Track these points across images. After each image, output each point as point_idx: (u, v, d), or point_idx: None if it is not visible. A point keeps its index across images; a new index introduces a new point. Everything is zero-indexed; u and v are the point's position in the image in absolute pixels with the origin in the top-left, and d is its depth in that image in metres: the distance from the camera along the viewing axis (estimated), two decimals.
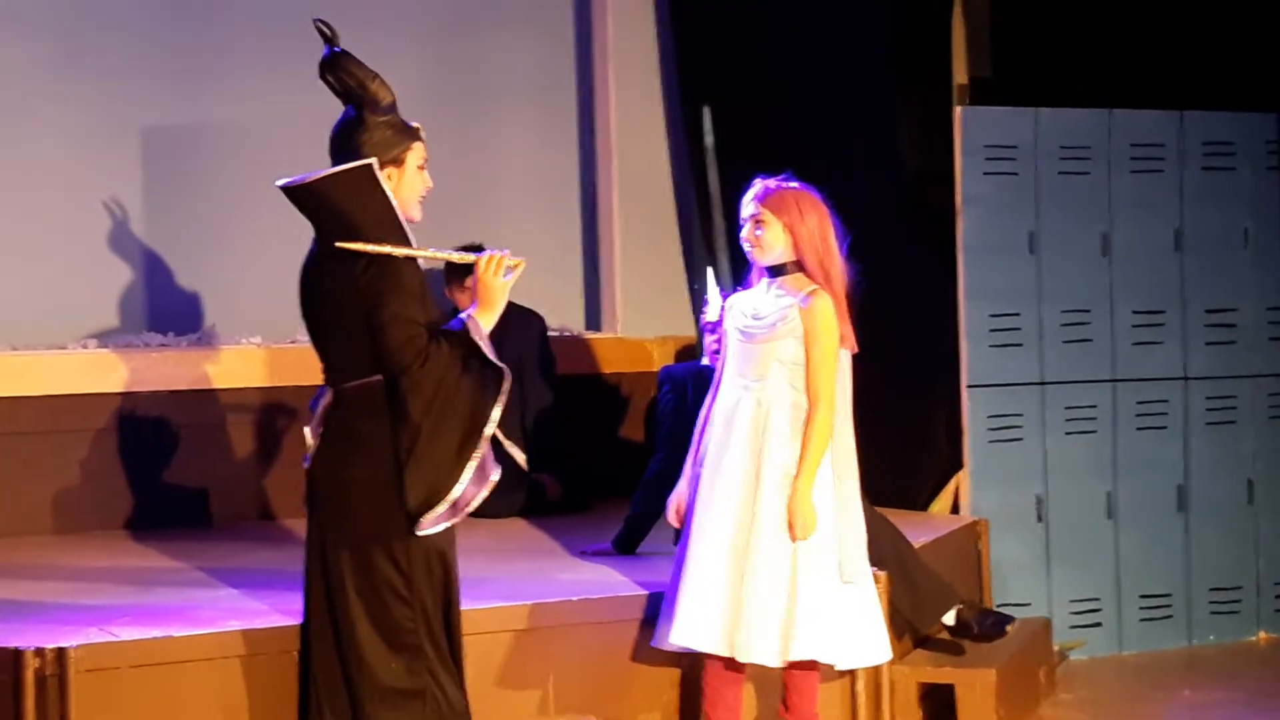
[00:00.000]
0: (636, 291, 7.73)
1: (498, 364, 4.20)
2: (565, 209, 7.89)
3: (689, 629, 4.63)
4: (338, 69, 4.26)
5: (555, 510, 6.78)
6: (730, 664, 4.71)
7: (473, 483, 4.20)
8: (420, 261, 4.26)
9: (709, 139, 7.53)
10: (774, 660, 4.62)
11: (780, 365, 4.65)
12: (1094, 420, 6.78)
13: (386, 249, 4.18)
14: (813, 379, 4.63)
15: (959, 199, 6.62)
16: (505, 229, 7.50)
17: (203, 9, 7.16)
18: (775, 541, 4.60)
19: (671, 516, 4.85)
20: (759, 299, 4.72)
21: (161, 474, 6.73)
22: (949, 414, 6.65)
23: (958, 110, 6.74)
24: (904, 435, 6.65)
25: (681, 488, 4.82)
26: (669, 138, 7.83)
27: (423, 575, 4.23)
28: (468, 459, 4.18)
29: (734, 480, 4.65)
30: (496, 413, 4.22)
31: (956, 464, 6.64)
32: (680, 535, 4.81)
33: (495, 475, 4.27)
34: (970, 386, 6.61)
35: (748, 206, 4.72)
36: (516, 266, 4.28)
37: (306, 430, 4.33)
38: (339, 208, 4.21)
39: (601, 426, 7.53)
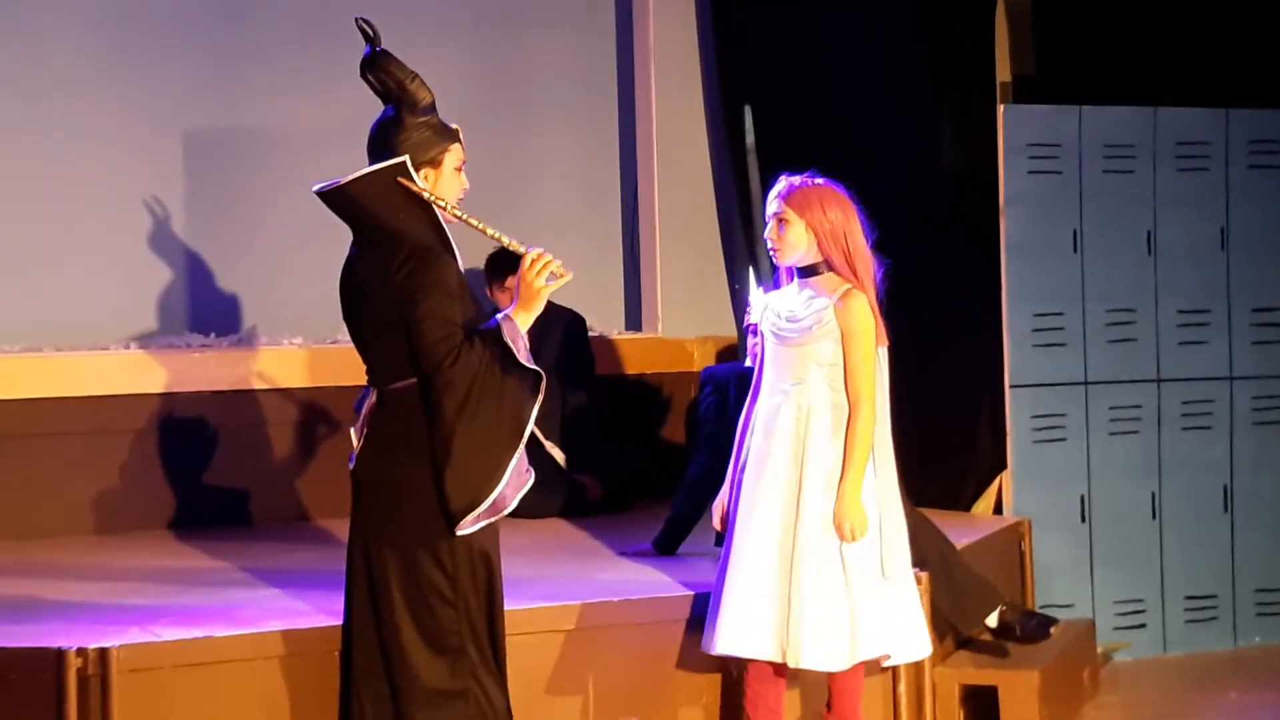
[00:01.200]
0: (677, 292, 7.72)
1: (531, 366, 4.18)
2: (606, 209, 7.89)
3: (737, 636, 4.62)
4: (378, 68, 4.26)
5: (595, 511, 6.77)
6: (775, 668, 4.69)
7: (510, 483, 4.18)
8: (460, 264, 4.26)
9: (750, 138, 7.52)
10: (839, 665, 4.61)
11: (819, 367, 4.62)
12: (1138, 420, 6.75)
13: (450, 208, 4.17)
14: (852, 380, 4.61)
15: (1002, 198, 6.60)
16: (546, 229, 7.50)
17: (247, 11, 7.18)
18: (822, 545, 4.58)
19: (716, 520, 4.84)
20: (792, 301, 4.69)
21: (202, 474, 6.76)
22: (992, 414, 6.63)
23: (1001, 108, 6.71)
24: (947, 435, 6.64)
25: (724, 492, 4.81)
26: (710, 137, 7.82)
27: (467, 577, 4.22)
28: (506, 460, 4.15)
29: (777, 485, 4.63)
30: (534, 413, 4.19)
31: (1000, 464, 6.62)
32: (723, 539, 4.79)
33: (532, 476, 4.25)
34: (1013, 386, 6.59)
35: (771, 204, 4.69)
36: (562, 276, 4.23)
37: (352, 431, 4.32)
38: (374, 208, 4.20)
39: (642, 427, 7.52)
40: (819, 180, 4.71)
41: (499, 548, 4.32)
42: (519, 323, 4.21)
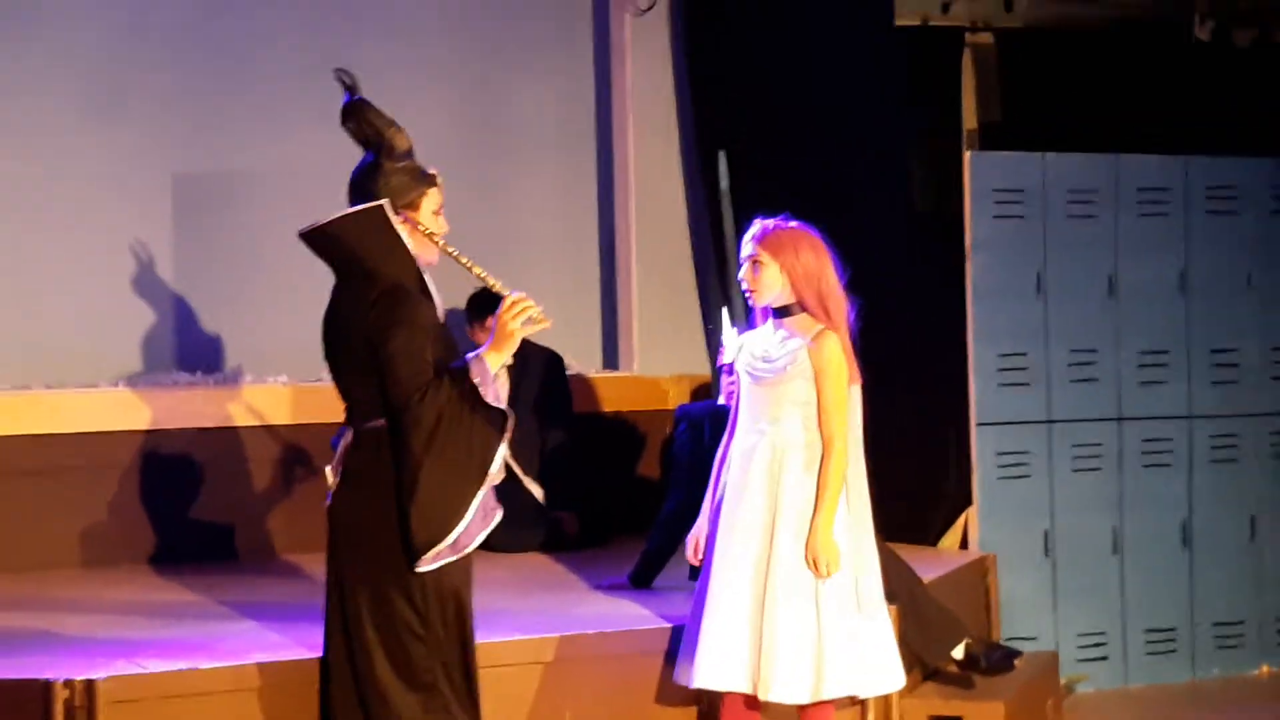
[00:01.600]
0: (653, 331, 7.74)
1: (498, 405, 4.16)
2: (585, 251, 7.90)
3: (713, 670, 4.62)
4: (357, 117, 4.28)
5: (573, 546, 6.77)
6: (748, 700, 4.69)
7: (474, 522, 4.16)
8: (439, 303, 4.27)
9: (724, 183, 7.54)
10: (806, 698, 4.61)
11: (793, 406, 4.63)
12: (1100, 458, 6.76)
13: (442, 244, 4.20)
14: (825, 419, 4.62)
15: (968, 242, 6.62)
16: (526, 268, 7.51)
17: (234, 59, 7.20)
18: (794, 580, 4.59)
19: (690, 554, 4.84)
20: (767, 341, 4.70)
21: (188, 509, 6.74)
22: (958, 451, 6.64)
23: (967, 155, 6.75)
24: (915, 471, 6.65)
25: (701, 526, 4.81)
26: (685, 182, 7.84)
27: (437, 613, 4.21)
28: (470, 497, 4.14)
29: (752, 522, 4.64)
30: (500, 452, 4.17)
31: (966, 500, 6.63)
32: (698, 573, 4.80)
33: (498, 515, 4.24)
34: (979, 424, 6.60)
35: (746, 247, 4.69)
36: (540, 322, 4.22)
37: (328, 469, 4.32)
38: (354, 249, 4.22)
39: (619, 464, 7.52)
40: (792, 223, 4.71)
41: (470, 583, 4.32)
42: (489, 363, 4.19)
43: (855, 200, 6.90)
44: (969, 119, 8.06)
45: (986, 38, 8.21)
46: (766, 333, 4.72)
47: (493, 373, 4.19)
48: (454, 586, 4.24)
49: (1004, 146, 7.04)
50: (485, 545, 6.67)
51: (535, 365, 6.93)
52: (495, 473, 4.18)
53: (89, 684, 4.32)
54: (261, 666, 4.55)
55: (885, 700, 5.25)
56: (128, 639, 4.94)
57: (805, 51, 7.15)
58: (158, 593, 5.96)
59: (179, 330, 7.10)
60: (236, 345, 7.12)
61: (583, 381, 7.46)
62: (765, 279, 4.65)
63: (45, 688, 4.32)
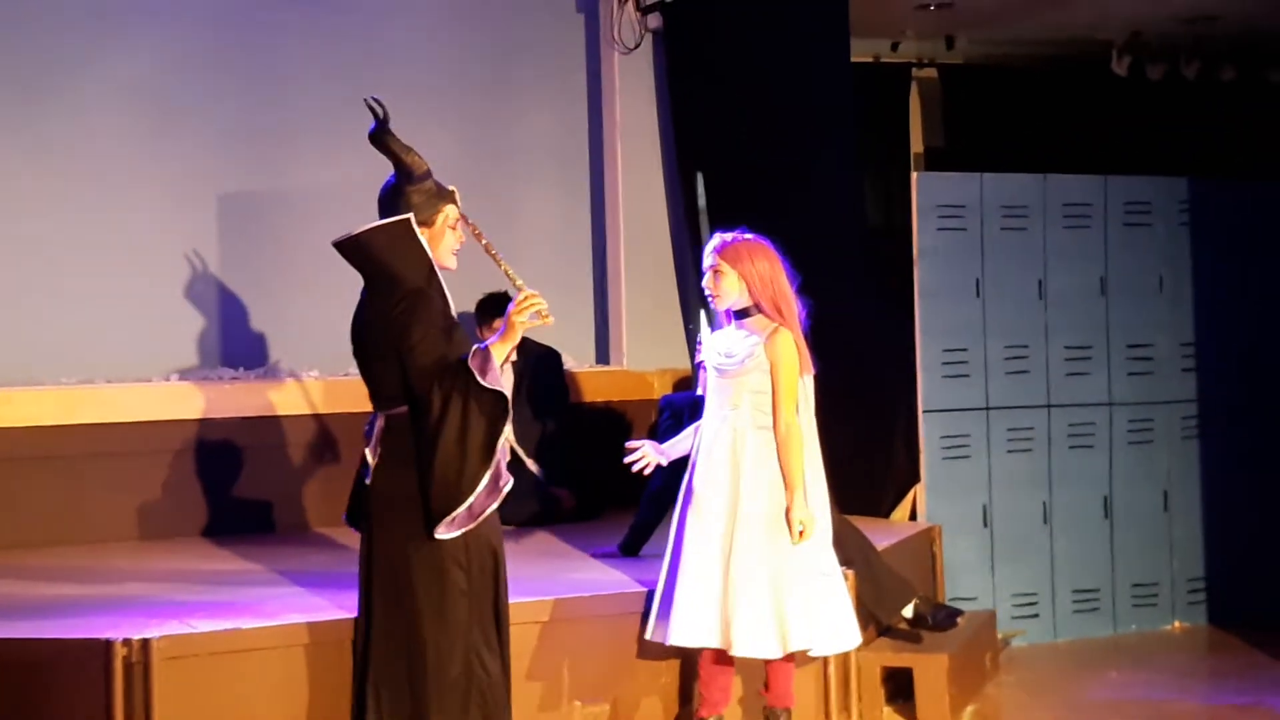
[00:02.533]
0: (639, 331, 7.72)
1: (493, 389, 4.14)
2: (579, 260, 7.88)
3: (687, 630, 4.61)
4: (378, 143, 4.28)
5: (570, 519, 6.75)
6: (720, 655, 4.68)
7: (486, 492, 4.16)
8: (453, 308, 4.26)
9: (702, 201, 7.53)
10: (774, 653, 4.60)
11: (751, 395, 4.63)
12: (1032, 440, 6.76)
13: (481, 237, 4.28)
14: (779, 405, 4.62)
15: (915, 251, 6.62)
16: (526, 277, 7.40)
17: (270, 89, 7.17)
18: (757, 547, 4.58)
19: (649, 452, 4.76)
20: (729, 339, 4.71)
21: (231, 488, 6.72)
22: (907, 435, 6.63)
23: (914, 175, 6.74)
24: (869, 453, 6.64)
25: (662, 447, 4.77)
26: (668, 200, 7.83)
27: (478, 567, 4.21)
28: (482, 471, 4.14)
29: (719, 495, 4.63)
30: (503, 429, 4.17)
31: (914, 478, 6.62)
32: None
33: (508, 486, 4.23)
34: (925, 411, 6.59)
35: (707, 259, 4.70)
36: (545, 318, 4.23)
37: (367, 451, 4.30)
38: (381, 256, 4.22)
39: (610, 446, 7.47)
40: (748, 235, 4.72)
41: (502, 540, 4.32)
42: (495, 353, 4.19)
43: (816, 216, 6.88)
44: (916, 144, 8.07)
45: (931, 73, 8.23)
46: (729, 332, 4.72)
47: (497, 362, 4.18)
48: (491, 543, 4.25)
49: (946, 168, 7.06)
50: None
51: (536, 361, 6.91)
52: (501, 447, 4.17)
53: (145, 643, 4.31)
54: (301, 626, 4.53)
55: (844, 655, 5.23)
56: (179, 602, 4.92)
57: (772, 85, 7.13)
58: (205, 562, 5.94)
59: (223, 331, 7.07)
60: (274, 343, 7.10)
61: (579, 375, 7.44)
62: (725, 285, 4.65)
63: (106, 646, 4.30)
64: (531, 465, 6.80)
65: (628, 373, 7.66)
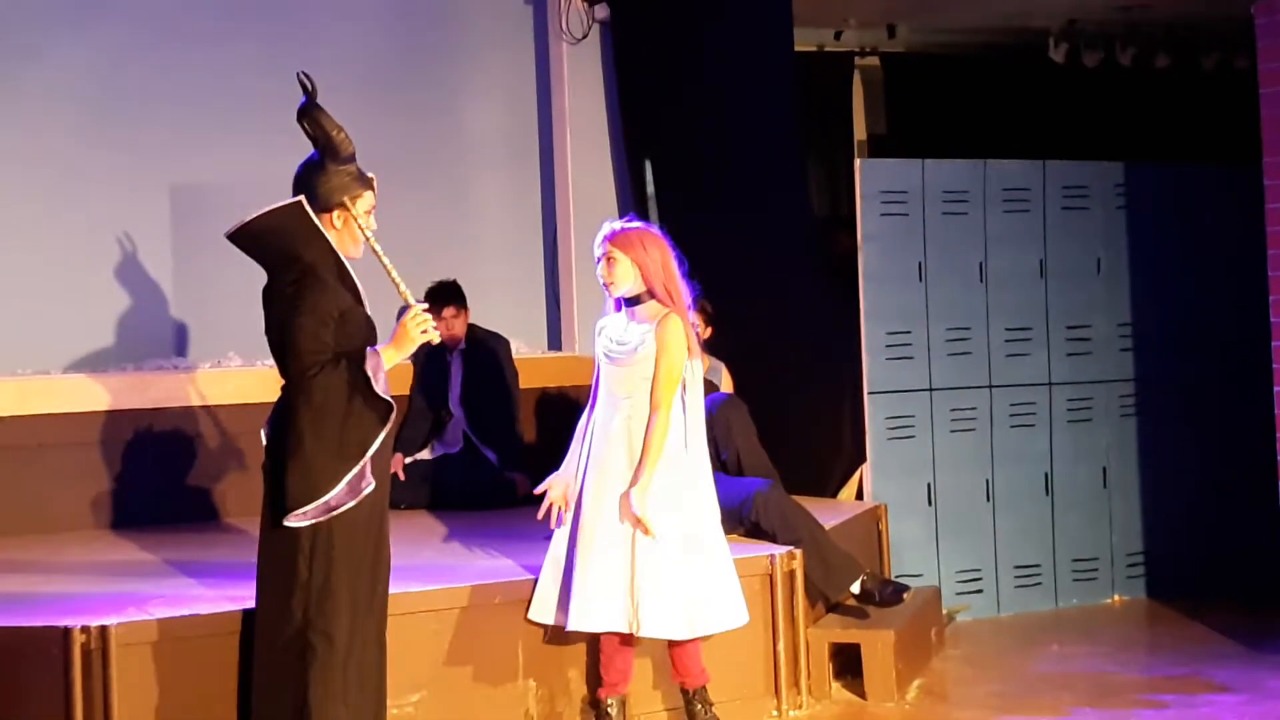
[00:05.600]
0: (591, 318, 7.64)
1: (384, 398, 4.06)
2: (531, 248, 7.88)
3: (590, 615, 4.61)
4: (309, 118, 4.18)
5: (524, 503, 6.74)
6: (623, 637, 4.70)
7: (343, 492, 4.03)
8: (361, 290, 4.15)
9: (650, 188, 7.54)
10: (682, 634, 4.61)
11: (644, 383, 4.62)
12: (974, 420, 6.80)
13: (371, 241, 4.09)
14: (657, 387, 4.59)
15: (860, 236, 6.64)
16: (479, 266, 7.50)
17: (219, 81, 7.13)
18: (657, 530, 4.57)
19: (545, 516, 4.74)
20: (621, 327, 4.69)
21: (187, 477, 6.67)
22: (853, 416, 6.66)
23: (858, 162, 6.75)
24: (816, 435, 6.67)
25: (557, 490, 4.72)
26: (617, 187, 7.83)
27: (323, 561, 4.06)
28: (344, 473, 4.02)
29: (613, 482, 4.62)
30: (380, 439, 4.06)
31: (860, 458, 6.66)
32: (571, 526, 4.73)
33: (369, 489, 4.08)
34: (870, 393, 6.62)
35: (598, 247, 4.67)
36: (431, 335, 4.14)
37: (262, 431, 4.21)
38: (275, 240, 4.10)
39: (562, 431, 7.48)
40: (637, 223, 4.72)
41: (380, 531, 4.18)
42: (386, 358, 4.11)
43: (763, 202, 6.91)
44: (859, 131, 8.11)
45: (873, 61, 8.27)
46: (620, 320, 4.71)
47: (386, 368, 4.10)
48: (359, 538, 4.08)
49: (889, 154, 7.09)
50: (452, 504, 6.70)
51: (486, 348, 6.92)
52: (370, 455, 4.05)
53: (103, 629, 4.29)
54: (253, 613, 4.51)
55: (793, 630, 5.27)
56: (136, 590, 4.89)
57: (718, 74, 7.15)
58: (162, 550, 5.90)
59: (178, 320, 7.03)
60: (228, 332, 7.02)
61: (531, 361, 7.44)
62: (618, 273, 4.64)
63: (64, 634, 4.29)
64: (487, 451, 6.79)
65: (579, 358, 7.66)
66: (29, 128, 6.78)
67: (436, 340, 4.21)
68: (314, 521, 4.03)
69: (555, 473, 4.82)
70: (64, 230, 6.82)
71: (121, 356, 6.86)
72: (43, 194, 6.80)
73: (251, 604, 4.37)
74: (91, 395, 6.50)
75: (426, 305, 4.25)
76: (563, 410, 7.51)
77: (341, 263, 4.12)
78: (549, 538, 5.76)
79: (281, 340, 4.07)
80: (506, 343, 7.09)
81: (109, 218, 6.90)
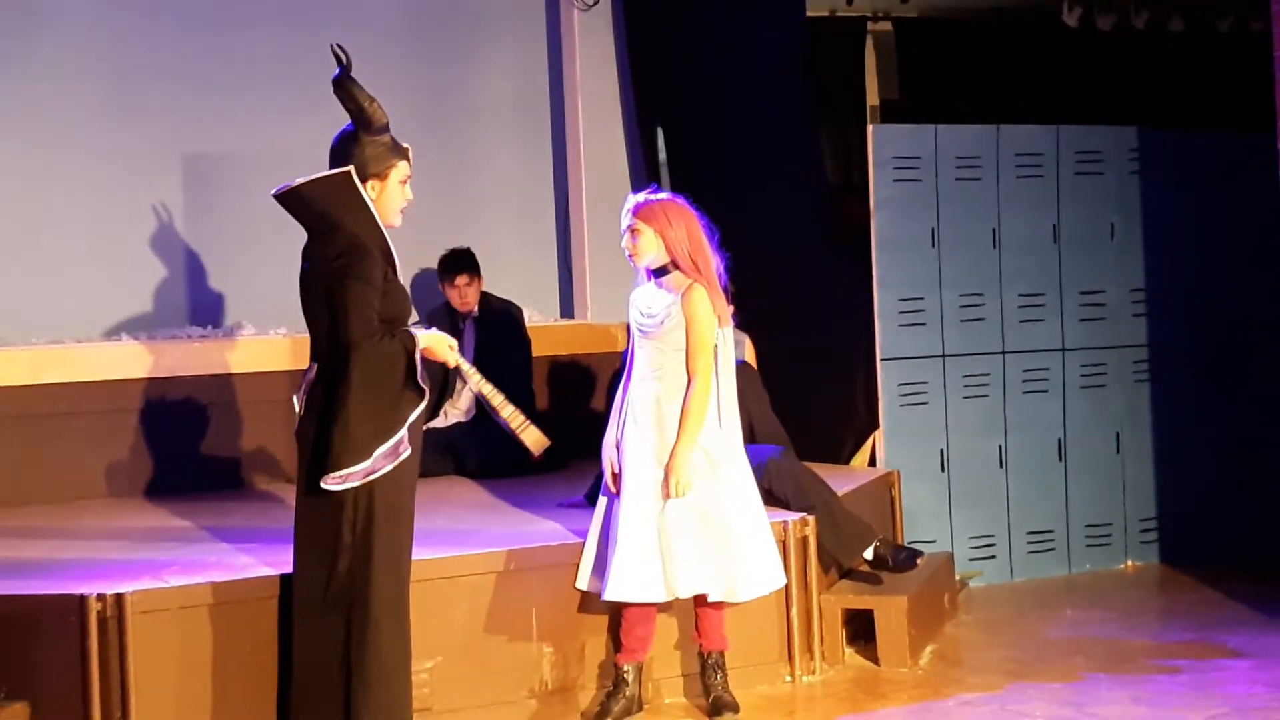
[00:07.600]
0: (603, 285, 7.71)
1: (422, 385, 4.13)
2: (542, 216, 7.87)
3: (625, 585, 4.63)
4: (343, 90, 4.21)
5: (537, 469, 6.74)
6: (647, 605, 4.71)
7: (383, 456, 4.08)
8: (397, 262, 4.20)
9: (662, 155, 7.52)
10: (719, 595, 4.63)
11: (675, 354, 4.63)
12: (987, 386, 6.79)
13: (475, 375, 4.35)
14: (691, 358, 4.61)
15: (872, 202, 6.62)
16: (490, 233, 7.49)
17: (236, 49, 7.11)
18: (686, 502, 4.59)
19: (607, 475, 4.79)
20: (650, 298, 4.69)
21: (200, 446, 6.69)
22: (866, 383, 6.65)
23: (870, 128, 6.72)
24: (829, 402, 6.66)
25: (610, 457, 4.75)
26: (629, 155, 7.81)
27: (364, 523, 4.11)
28: (384, 439, 4.07)
29: (648, 455, 4.63)
30: (413, 418, 4.13)
31: (873, 424, 6.65)
32: (595, 496, 4.76)
33: (405, 454, 4.14)
34: (883, 360, 6.62)
35: (624, 219, 4.68)
36: (450, 358, 4.29)
37: (295, 398, 4.25)
38: (321, 209, 4.15)
39: (576, 397, 7.51)
40: (662, 194, 4.72)
41: (410, 495, 4.23)
42: (423, 345, 4.18)
43: (774, 169, 6.88)
44: (871, 97, 8.05)
45: (886, 26, 8.21)
46: (649, 291, 4.70)
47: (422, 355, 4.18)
48: (392, 500, 4.13)
49: (901, 120, 7.04)
50: (468, 471, 6.72)
51: (499, 316, 6.91)
52: (407, 428, 4.11)
53: (119, 597, 4.31)
54: (270, 579, 4.53)
55: (806, 596, 5.27)
56: (153, 558, 4.91)
57: (729, 40, 7.11)
58: (176, 519, 5.92)
59: (191, 289, 7.04)
60: (242, 301, 7.06)
61: (544, 329, 7.43)
62: (643, 244, 4.65)
63: (80, 601, 4.30)
64: (501, 421, 6.79)
65: (592, 326, 7.66)
66: (38, 100, 6.76)
67: (453, 364, 4.31)
68: (354, 485, 4.05)
69: (603, 445, 4.81)
70: (77, 203, 6.82)
71: (135, 325, 6.86)
72: (53, 167, 6.80)
73: (278, 570, 4.40)
74: (105, 364, 6.51)
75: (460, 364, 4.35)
76: (574, 378, 7.52)
77: (382, 233, 4.17)
78: (561, 505, 5.79)
79: (332, 307, 4.09)
80: (520, 311, 7.08)
81: (122, 190, 6.89)
